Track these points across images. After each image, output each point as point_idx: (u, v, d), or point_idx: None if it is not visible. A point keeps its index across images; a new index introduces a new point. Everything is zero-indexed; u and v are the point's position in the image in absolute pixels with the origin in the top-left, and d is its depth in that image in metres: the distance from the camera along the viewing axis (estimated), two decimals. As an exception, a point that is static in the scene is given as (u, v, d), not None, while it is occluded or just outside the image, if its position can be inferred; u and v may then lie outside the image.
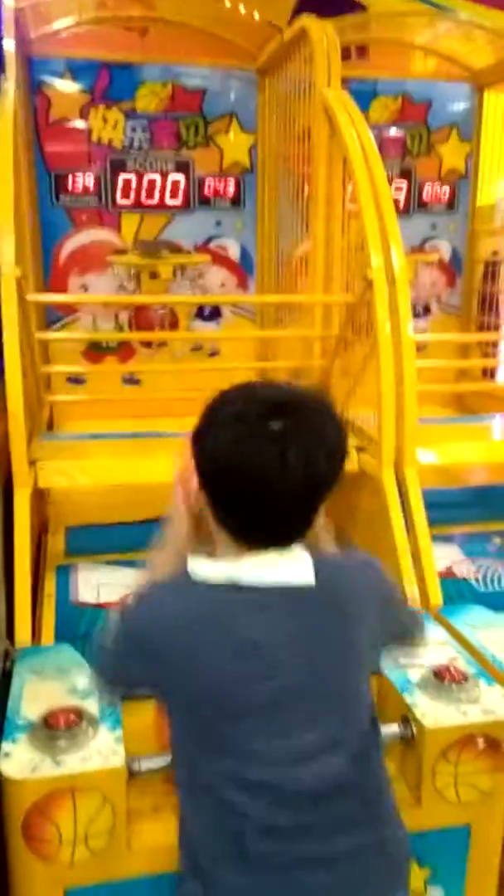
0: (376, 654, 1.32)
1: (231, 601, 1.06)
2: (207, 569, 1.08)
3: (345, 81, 3.00)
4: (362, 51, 3.27)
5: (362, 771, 1.10)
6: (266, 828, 1.05)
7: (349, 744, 1.08)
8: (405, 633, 1.34)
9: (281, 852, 1.05)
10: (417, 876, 1.47)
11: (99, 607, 1.97)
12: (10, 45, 2.35)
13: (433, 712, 1.44)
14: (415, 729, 1.44)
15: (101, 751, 1.31)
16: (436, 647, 1.64)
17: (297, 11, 2.63)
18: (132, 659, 1.13)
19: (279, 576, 1.07)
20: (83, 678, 1.51)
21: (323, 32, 2.42)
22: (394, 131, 3.31)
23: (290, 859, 1.05)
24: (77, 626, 1.89)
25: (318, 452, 1.02)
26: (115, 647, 1.15)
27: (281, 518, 1.06)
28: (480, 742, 1.42)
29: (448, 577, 2.15)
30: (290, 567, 1.07)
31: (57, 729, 1.34)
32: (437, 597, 1.88)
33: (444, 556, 2.26)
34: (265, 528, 1.07)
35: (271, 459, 0.99)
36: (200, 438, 1.08)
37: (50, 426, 2.76)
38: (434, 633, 1.72)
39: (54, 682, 1.50)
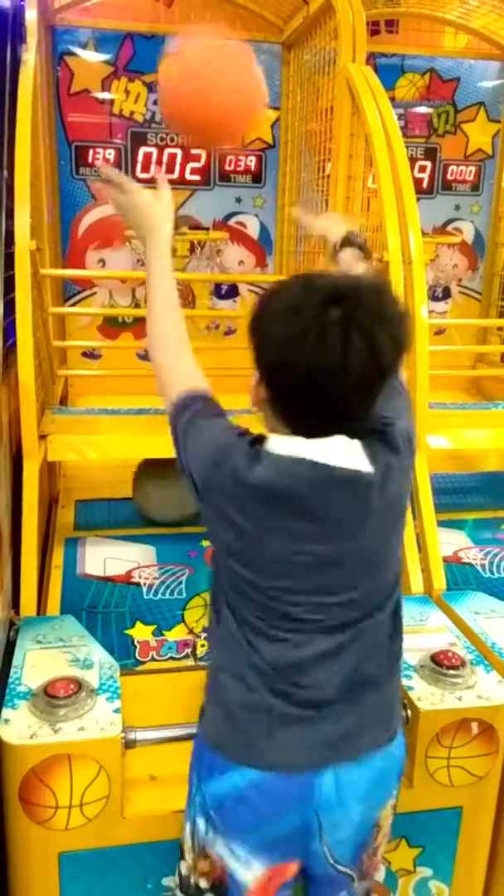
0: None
1: (302, 474, 1.03)
2: (281, 444, 1.05)
3: (372, 56, 2.95)
4: (392, 24, 3.21)
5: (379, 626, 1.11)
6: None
7: (370, 603, 1.10)
8: None
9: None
10: (407, 855, 1.49)
11: (105, 580, 2.00)
12: (31, 15, 2.31)
13: (429, 696, 1.45)
14: (410, 712, 1.45)
15: (99, 720, 1.34)
16: (436, 632, 1.65)
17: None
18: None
19: (345, 461, 1.04)
20: (84, 649, 1.54)
21: (349, 6, 2.37)
22: (419, 109, 3.25)
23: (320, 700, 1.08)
24: (83, 598, 1.92)
25: (383, 334, 0.97)
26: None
27: (343, 408, 1.02)
28: (474, 727, 1.43)
29: (454, 563, 2.16)
30: (353, 455, 1.05)
31: (56, 698, 1.36)
32: (440, 582, 1.88)
33: (452, 542, 2.26)
34: (327, 419, 1.03)
35: (334, 349, 0.95)
36: (257, 331, 1.03)
37: (64, 401, 2.77)
38: (435, 617, 1.72)
39: (56, 652, 1.53)
